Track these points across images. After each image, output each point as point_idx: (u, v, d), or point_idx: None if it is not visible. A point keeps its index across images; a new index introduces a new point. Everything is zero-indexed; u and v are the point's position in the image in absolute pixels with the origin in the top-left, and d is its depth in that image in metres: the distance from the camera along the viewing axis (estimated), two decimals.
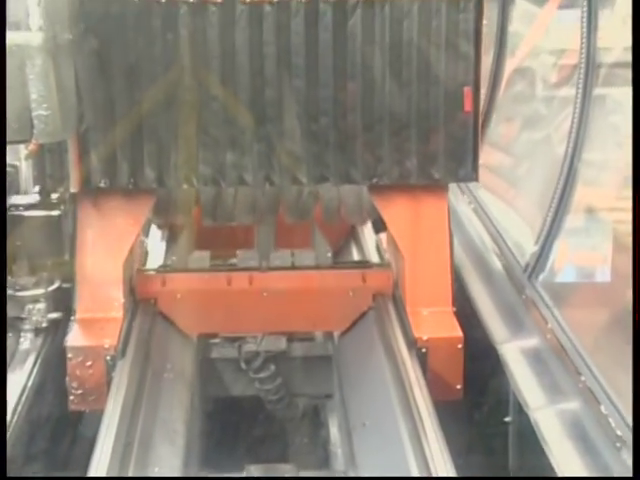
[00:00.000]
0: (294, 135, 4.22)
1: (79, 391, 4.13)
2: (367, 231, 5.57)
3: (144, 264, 5.02)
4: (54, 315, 4.43)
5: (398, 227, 4.45)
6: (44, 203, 4.64)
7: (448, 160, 4.29)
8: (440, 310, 4.33)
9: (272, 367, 4.78)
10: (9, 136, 3.64)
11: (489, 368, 4.17)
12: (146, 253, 5.21)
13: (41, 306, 4.39)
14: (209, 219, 4.80)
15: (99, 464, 3.27)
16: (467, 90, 4.20)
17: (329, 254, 4.74)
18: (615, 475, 3.07)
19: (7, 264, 4.45)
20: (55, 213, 4.64)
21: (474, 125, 4.26)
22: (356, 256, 5.42)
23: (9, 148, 3.88)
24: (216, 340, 4.79)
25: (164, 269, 4.77)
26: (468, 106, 4.22)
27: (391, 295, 4.58)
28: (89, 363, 4.10)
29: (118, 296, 4.29)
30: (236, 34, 4.11)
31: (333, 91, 4.18)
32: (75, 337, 4.17)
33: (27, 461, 3.87)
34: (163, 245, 5.31)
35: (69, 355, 4.10)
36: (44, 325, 4.38)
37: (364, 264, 5.00)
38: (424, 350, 4.12)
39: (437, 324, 4.27)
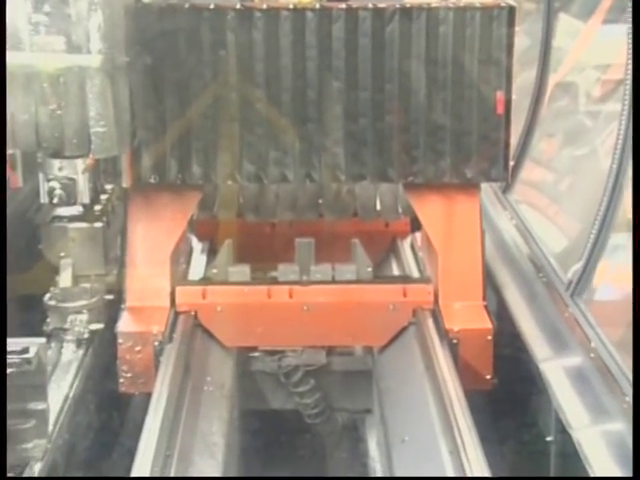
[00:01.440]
0: (334, 135, 4.45)
1: (128, 374, 4.36)
2: (407, 246, 5.56)
3: (185, 277, 5.06)
4: (96, 326, 4.47)
5: (432, 224, 4.66)
6: (87, 215, 4.69)
7: (481, 160, 4.50)
8: (471, 304, 4.52)
9: (311, 381, 4.78)
10: (68, 151, 3.88)
11: (531, 387, 4.14)
12: (187, 266, 5.25)
13: (83, 317, 4.43)
14: (251, 215, 5.08)
15: (139, 474, 3.29)
16: (499, 94, 4.42)
17: (369, 268, 4.74)
18: None
19: (52, 275, 4.50)
20: (98, 225, 4.70)
21: (505, 127, 4.48)
22: (396, 271, 5.41)
23: (68, 162, 4.08)
24: (256, 353, 4.81)
25: (205, 282, 4.80)
26: (500, 109, 4.44)
27: (431, 310, 4.58)
28: (138, 348, 4.32)
29: (165, 286, 4.52)
30: (280, 38, 4.35)
31: (371, 93, 4.41)
32: (125, 323, 4.42)
33: (67, 470, 3.89)
34: (204, 258, 5.33)
35: (120, 340, 4.35)
36: (86, 336, 4.42)
37: (405, 278, 5.01)
38: (455, 341, 4.32)
39: (468, 316, 4.47)
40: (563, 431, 3.65)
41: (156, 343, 4.32)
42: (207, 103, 4.40)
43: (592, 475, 3.25)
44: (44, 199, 4.23)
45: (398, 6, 4.36)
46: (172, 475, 3.43)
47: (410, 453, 3.69)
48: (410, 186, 4.61)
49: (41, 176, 4.21)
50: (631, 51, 4.11)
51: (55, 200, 4.20)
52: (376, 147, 4.46)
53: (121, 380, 4.37)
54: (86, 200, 4.30)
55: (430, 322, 4.46)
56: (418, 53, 4.36)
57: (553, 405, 3.84)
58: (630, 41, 4.09)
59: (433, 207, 4.62)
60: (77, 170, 4.18)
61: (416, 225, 5.39)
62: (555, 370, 4.00)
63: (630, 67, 4.08)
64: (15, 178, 4.35)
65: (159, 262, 4.52)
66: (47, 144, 3.88)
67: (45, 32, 3.77)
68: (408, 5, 4.38)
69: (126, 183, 4.42)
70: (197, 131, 4.41)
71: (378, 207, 5.31)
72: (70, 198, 4.20)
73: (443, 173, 4.51)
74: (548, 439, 3.96)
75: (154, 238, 4.53)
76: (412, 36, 4.34)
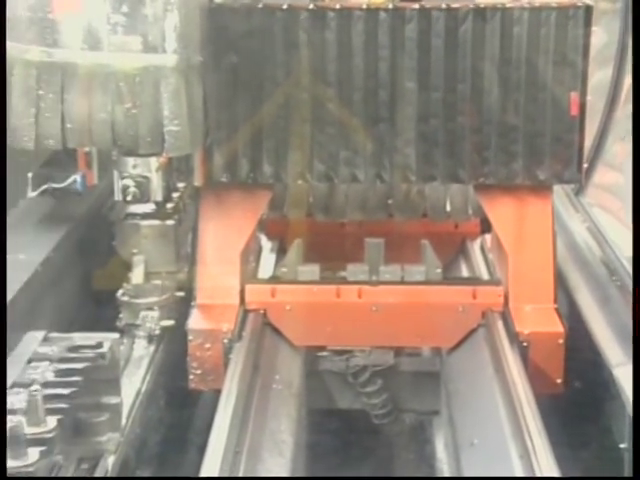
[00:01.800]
0: (405, 135, 4.44)
1: (198, 371, 4.39)
2: (476, 247, 5.52)
3: (254, 275, 5.09)
4: (167, 323, 4.52)
5: (503, 226, 4.61)
6: (160, 212, 4.76)
7: (554, 162, 4.45)
8: (542, 307, 4.47)
9: (379, 381, 4.78)
10: (143, 149, 3.88)
11: (604, 392, 4.08)
12: (257, 264, 5.28)
13: (154, 314, 4.49)
14: (321, 215, 5.10)
15: (209, 470, 3.33)
16: (574, 95, 4.36)
17: (439, 270, 4.72)
18: None
19: (124, 272, 4.57)
20: (170, 223, 4.76)
21: (579, 129, 4.42)
22: (465, 272, 5.38)
23: (142, 160, 4.14)
24: (324, 353, 4.82)
25: (274, 280, 4.82)
26: (574, 110, 4.38)
27: (501, 312, 4.54)
28: (208, 345, 4.34)
29: (235, 284, 4.55)
30: (352, 38, 4.35)
31: (443, 94, 4.39)
32: (195, 321, 4.45)
33: (138, 464, 3.95)
34: (273, 256, 5.36)
35: (190, 337, 4.39)
36: (157, 332, 4.47)
37: (474, 280, 4.98)
38: (525, 344, 4.27)
39: (539, 319, 4.41)
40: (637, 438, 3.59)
41: (225, 341, 4.36)
42: (279, 103, 4.43)
43: None
44: (118, 197, 4.30)
45: (472, 6, 4.34)
46: (241, 473, 3.46)
47: (479, 456, 3.67)
48: (481, 187, 4.58)
49: (115, 174, 4.28)
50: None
51: (129, 198, 4.27)
52: (447, 148, 4.44)
53: (191, 377, 4.42)
54: (159, 198, 4.37)
55: (500, 324, 4.42)
56: (491, 53, 4.33)
57: (627, 411, 3.78)
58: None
59: (504, 209, 4.59)
60: (151, 168, 4.25)
61: (486, 226, 5.36)
62: (629, 376, 3.94)
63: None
64: (91, 175, 4.43)
65: (229, 260, 4.56)
66: (122, 142, 3.94)
67: (122, 32, 3.82)
68: (482, 5, 4.35)
69: (198, 181, 4.48)
70: (269, 130, 4.44)
71: (448, 208, 5.28)
72: (144, 196, 4.27)
73: (515, 175, 4.47)
74: (622, 446, 3.90)
75: (225, 237, 4.57)
76: (486, 36, 4.31)
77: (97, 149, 4.28)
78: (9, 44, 3.78)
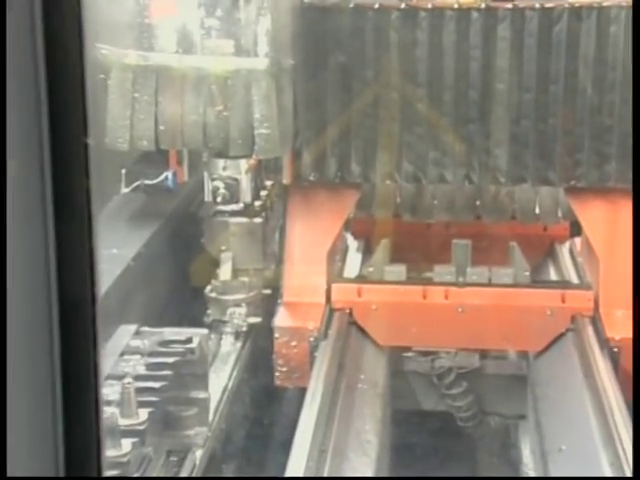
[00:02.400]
0: (495, 136, 4.40)
1: (284, 368, 4.42)
2: (566, 251, 5.44)
3: (341, 274, 5.10)
4: (254, 320, 4.56)
5: (594, 229, 4.55)
6: (248, 210, 4.80)
7: None
8: None
9: (464, 384, 4.74)
10: (232, 151, 3.91)
11: None
12: (343, 263, 5.29)
13: (242, 310, 4.53)
14: (408, 215, 5.06)
15: (295, 467, 3.35)
16: None
17: (527, 272, 4.67)
18: None
19: (212, 268, 4.62)
20: (257, 220, 4.79)
21: None
22: (554, 276, 5.30)
23: (232, 162, 4.19)
24: (409, 354, 4.81)
25: (360, 280, 4.82)
26: None
27: (591, 317, 4.47)
28: (294, 343, 4.36)
29: (321, 283, 4.57)
30: (443, 38, 4.32)
31: (535, 95, 4.33)
32: (282, 318, 4.49)
33: (225, 459, 3.99)
34: (359, 256, 5.36)
35: (276, 335, 4.41)
36: (244, 329, 4.51)
37: (563, 284, 4.90)
38: (616, 350, 4.18)
39: (631, 325, 4.21)
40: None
41: (311, 339, 4.38)
42: (368, 102, 4.43)
43: None
44: (208, 197, 4.36)
45: (567, 5, 4.27)
46: (327, 471, 3.47)
47: (567, 462, 3.61)
48: (572, 190, 4.52)
49: (206, 175, 4.34)
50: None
51: (219, 199, 4.33)
52: (538, 149, 4.39)
53: (276, 374, 4.45)
54: (248, 200, 4.41)
55: (590, 329, 4.35)
56: (586, 53, 4.27)
57: None
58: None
59: (596, 212, 4.51)
60: (240, 170, 4.30)
61: (575, 230, 5.27)
62: None
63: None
64: (182, 173, 4.50)
65: (316, 259, 4.58)
66: (213, 144, 3.99)
67: (216, 36, 3.87)
68: (577, 4, 4.28)
69: (286, 180, 4.51)
70: (357, 130, 4.45)
71: (537, 211, 5.20)
72: (233, 198, 4.32)
73: (608, 177, 4.39)
74: None
75: (312, 235, 4.60)
76: (581, 36, 4.25)
77: (188, 149, 4.34)
78: (108, 48, 3.86)
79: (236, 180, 4.27)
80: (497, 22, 4.29)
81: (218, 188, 4.30)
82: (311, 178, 4.51)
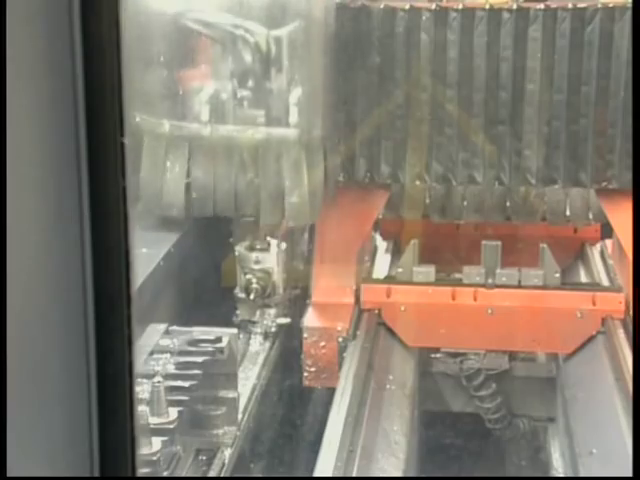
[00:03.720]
0: (526, 137, 4.37)
1: (312, 368, 4.41)
2: (596, 253, 5.40)
3: (369, 275, 5.10)
4: (283, 320, 4.56)
5: (626, 232, 4.44)
6: None
7: None
8: None
9: (493, 385, 4.72)
10: (263, 218, 4.04)
11: None
12: (372, 264, 5.28)
13: (271, 311, 4.53)
14: (437, 216, 5.03)
15: (324, 468, 3.35)
16: None
17: (557, 274, 4.63)
18: None
19: None
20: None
21: None
22: (584, 278, 5.26)
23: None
24: (437, 355, 4.79)
25: (389, 280, 4.81)
26: None
27: (622, 320, 4.43)
28: (322, 343, 4.36)
29: (350, 283, 4.57)
30: (474, 38, 4.31)
31: (566, 96, 4.29)
32: (311, 319, 4.48)
33: (253, 458, 3.99)
34: (388, 257, 5.35)
35: (305, 335, 4.41)
36: (273, 330, 4.52)
37: (594, 286, 4.86)
38: None
39: None
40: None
41: (340, 339, 4.38)
42: (398, 103, 4.42)
43: None
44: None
45: (600, 6, 4.24)
46: (355, 471, 3.46)
47: (599, 466, 3.59)
48: (603, 192, 4.48)
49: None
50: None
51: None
52: (569, 151, 4.36)
53: (305, 374, 4.45)
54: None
55: (621, 332, 4.32)
56: (618, 54, 4.23)
57: None
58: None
59: (627, 214, 4.47)
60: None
61: (606, 232, 5.23)
62: None
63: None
64: None
65: (346, 260, 4.58)
66: (244, 211, 4.04)
67: (247, 106, 3.90)
68: (611, 5, 4.24)
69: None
70: (387, 131, 4.44)
71: (567, 212, 5.16)
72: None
73: None
74: None
75: (341, 236, 4.59)
76: (614, 36, 4.21)
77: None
78: (142, 117, 3.90)
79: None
80: (528, 23, 4.27)
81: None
82: (340, 179, 4.51)
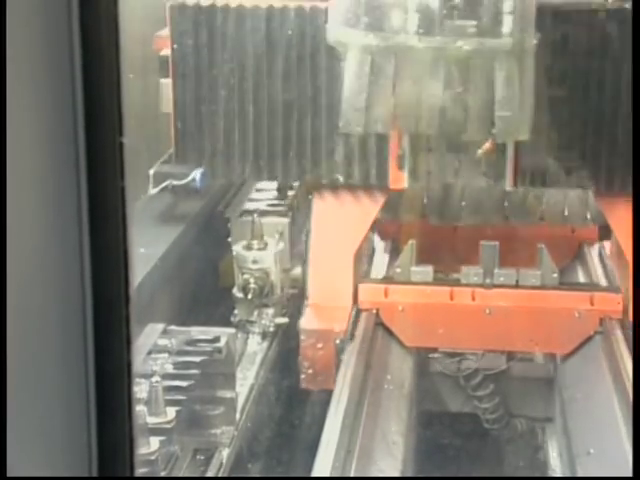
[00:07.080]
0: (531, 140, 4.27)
1: (310, 371, 4.37)
2: (594, 253, 5.40)
3: (367, 275, 5.09)
4: (280, 320, 4.56)
5: (624, 232, 4.43)
6: (275, 210, 4.80)
7: None
8: None
9: (491, 385, 4.72)
10: (469, 134, 3.80)
11: None
12: (369, 264, 5.28)
13: (269, 311, 4.53)
14: (435, 218, 5.00)
15: (321, 468, 3.35)
16: None
17: (555, 274, 4.63)
18: None
19: None
20: (285, 220, 4.79)
21: None
22: (582, 278, 5.26)
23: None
24: (435, 355, 4.79)
25: (387, 280, 4.81)
26: None
27: (620, 320, 4.43)
28: (320, 345, 4.33)
29: (348, 284, 4.52)
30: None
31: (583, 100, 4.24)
32: (308, 320, 4.44)
33: (251, 458, 3.99)
34: (386, 257, 5.35)
35: (302, 337, 4.37)
36: (271, 330, 4.51)
37: (592, 286, 4.86)
38: None
39: None
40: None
41: (337, 341, 4.35)
42: None
43: None
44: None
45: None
46: (353, 472, 3.47)
47: (596, 466, 3.59)
48: (601, 193, 4.47)
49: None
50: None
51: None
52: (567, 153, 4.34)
53: (302, 376, 4.42)
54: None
55: (619, 333, 4.31)
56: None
57: None
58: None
59: (626, 215, 4.46)
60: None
61: (604, 233, 5.21)
62: None
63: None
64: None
65: (343, 261, 4.55)
66: (449, 127, 3.82)
67: (457, 16, 3.71)
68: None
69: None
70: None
71: (566, 213, 5.15)
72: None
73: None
74: None
75: (339, 237, 4.56)
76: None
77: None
78: (345, 29, 3.77)
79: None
80: None
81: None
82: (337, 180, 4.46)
